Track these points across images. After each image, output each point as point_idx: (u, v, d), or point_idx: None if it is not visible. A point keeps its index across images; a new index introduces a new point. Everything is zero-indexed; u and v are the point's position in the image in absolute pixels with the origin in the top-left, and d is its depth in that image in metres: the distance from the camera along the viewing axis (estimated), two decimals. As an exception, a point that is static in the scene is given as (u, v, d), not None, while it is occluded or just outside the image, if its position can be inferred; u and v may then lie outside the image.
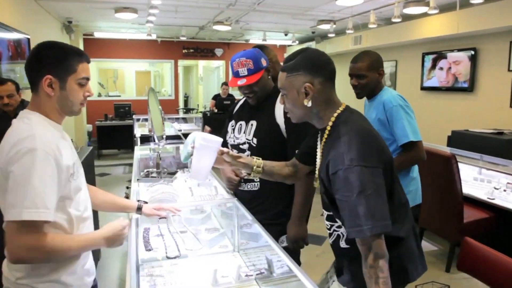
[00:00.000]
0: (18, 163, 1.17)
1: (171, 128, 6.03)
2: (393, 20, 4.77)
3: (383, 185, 1.20)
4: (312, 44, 8.90)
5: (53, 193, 1.22)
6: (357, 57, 2.35)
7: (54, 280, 1.30)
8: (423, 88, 6.58)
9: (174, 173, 2.53)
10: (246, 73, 1.97)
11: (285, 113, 2.03)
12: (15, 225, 1.15)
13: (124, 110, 8.23)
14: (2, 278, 1.34)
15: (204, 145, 1.54)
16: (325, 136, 1.34)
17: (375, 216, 1.14)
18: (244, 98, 2.27)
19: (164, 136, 2.23)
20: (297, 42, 9.68)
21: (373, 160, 1.20)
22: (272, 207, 2.03)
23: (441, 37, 5.82)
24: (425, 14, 5.49)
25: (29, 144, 1.19)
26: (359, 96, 2.39)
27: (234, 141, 2.16)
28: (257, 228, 1.79)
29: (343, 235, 1.39)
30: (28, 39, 4.55)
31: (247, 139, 2.10)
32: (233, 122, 2.23)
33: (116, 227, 1.39)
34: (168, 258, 1.75)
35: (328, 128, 1.33)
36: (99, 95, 10.44)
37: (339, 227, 1.40)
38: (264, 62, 2.03)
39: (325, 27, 6.79)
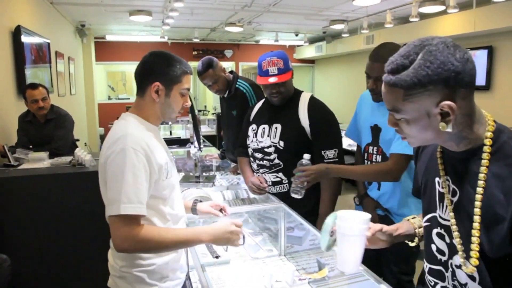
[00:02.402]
0: (113, 161, 1.27)
1: (186, 131, 6.05)
2: (411, 19, 4.76)
3: None
4: (323, 44, 8.89)
5: (145, 189, 1.29)
6: (377, 54, 1.81)
7: (150, 271, 1.40)
8: (437, 87, 6.56)
9: (213, 178, 2.55)
10: (276, 72, 2.03)
11: (309, 116, 2.11)
12: (116, 219, 1.24)
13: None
14: (108, 265, 1.47)
15: (352, 231, 1.14)
16: (486, 157, 0.92)
17: None
18: (262, 102, 2.34)
19: (201, 140, 2.26)
20: (307, 42, 9.68)
21: None
22: (302, 207, 2.05)
23: (457, 35, 5.80)
24: (440, 13, 5.47)
25: (121, 144, 1.28)
26: (376, 99, 1.91)
27: (258, 144, 2.21)
28: (309, 228, 1.81)
29: None
30: (49, 43, 4.57)
31: (272, 142, 2.16)
32: (254, 126, 2.27)
33: (227, 224, 1.41)
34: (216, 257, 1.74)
35: (488, 148, 0.92)
36: (109, 98, 10.45)
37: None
38: (291, 64, 2.09)
39: (338, 27, 6.79)
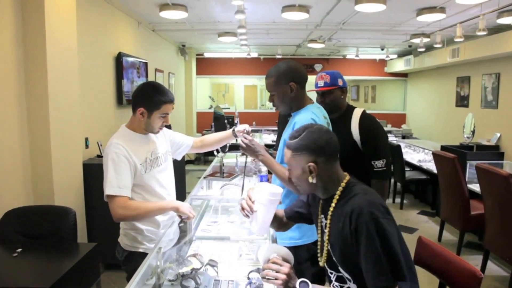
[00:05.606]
0: (104, 161, 1.88)
1: (262, 140, 6.74)
2: (478, 33, 4.67)
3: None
4: (411, 58, 8.77)
5: (126, 178, 1.83)
6: (267, 72, 2.09)
7: (141, 233, 2.00)
8: (528, 103, 6.10)
9: (234, 175, 3.12)
10: (322, 85, 2.41)
11: (360, 130, 2.35)
12: (107, 199, 1.82)
13: (227, 121, 9.16)
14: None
15: (273, 201, 1.49)
16: (334, 202, 1.43)
17: None
18: None
19: (227, 147, 2.89)
20: (396, 55, 9.60)
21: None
22: None
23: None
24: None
25: (107, 149, 1.88)
26: (282, 111, 2.20)
27: None
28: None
29: None
30: (146, 62, 5.62)
31: None
32: None
33: (185, 204, 1.93)
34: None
35: (337, 197, 1.43)
36: (210, 107, 11.66)
37: None
38: (340, 82, 2.42)
39: (416, 41, 6.77)
